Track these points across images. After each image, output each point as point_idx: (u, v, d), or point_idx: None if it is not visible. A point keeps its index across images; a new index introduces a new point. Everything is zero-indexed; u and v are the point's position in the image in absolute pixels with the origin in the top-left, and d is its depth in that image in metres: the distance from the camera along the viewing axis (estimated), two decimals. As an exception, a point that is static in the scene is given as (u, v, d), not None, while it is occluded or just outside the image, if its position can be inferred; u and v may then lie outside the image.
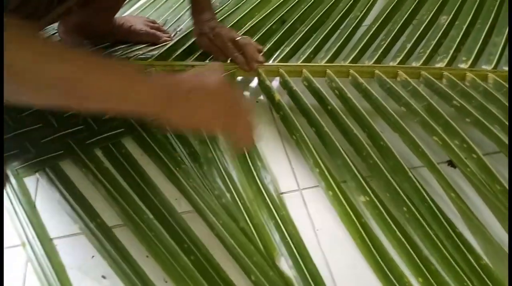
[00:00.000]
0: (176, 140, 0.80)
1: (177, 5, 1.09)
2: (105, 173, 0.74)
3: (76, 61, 0.44)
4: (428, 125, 0.80)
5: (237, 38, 0.89)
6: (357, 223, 0.69)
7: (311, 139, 0.79)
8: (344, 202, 0.71)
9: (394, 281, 0.63)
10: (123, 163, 0.76)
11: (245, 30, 1.00)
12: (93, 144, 0.78)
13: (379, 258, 0.65)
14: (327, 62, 0.94)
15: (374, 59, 0.95)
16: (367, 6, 1.07)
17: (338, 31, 1.02)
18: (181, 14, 1.05)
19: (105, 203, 0.71)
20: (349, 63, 0.94)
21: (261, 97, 0.91)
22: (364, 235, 0.67)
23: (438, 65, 0.94)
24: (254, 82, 0.94)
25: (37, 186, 0.75)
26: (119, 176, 0.74)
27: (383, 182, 0.73)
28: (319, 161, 0.76)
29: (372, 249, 0.66)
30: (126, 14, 1.07)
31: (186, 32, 0.98)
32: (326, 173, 0.74)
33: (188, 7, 0.99)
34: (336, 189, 0.72)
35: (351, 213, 0.70)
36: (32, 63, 0.41)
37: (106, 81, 0.46)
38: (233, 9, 1.06)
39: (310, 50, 0.96)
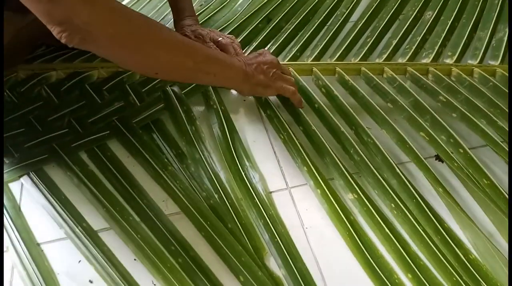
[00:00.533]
0: (162, 141, 0.79)
1: (161, 4, 1.08)
2: (90, 176, 0.73)
3: (199, 54, 0.70)
4: (415, 120, 0.81)
5: (219, 39, 0.88)
6: (345, 220, 0.68)
7: (298, 138, 0.79)
8: (332, 199, 0.71)
9: (384, 278, 0.63)
10: (108, 166, 0.75)
11: (231, 29, 1.00)
12: (78, 147, 0.77)
13: (368, 255, 0.65)
14: (313, 60, 0.94)
15: (360, 56, 0.95)
16: (353, 3, 1.07)
17: (324, 29, 1.02)
18: (165, 13, 1.04)
19: (91, 206, 0.70)
20: (335, 61, 0.94)
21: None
22: (353, 232, 0.67)
23: (424, 61, 0.95)
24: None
25: (22, 191, 0.74)
26: (105, 178, 0.73)
27: (371, 179, 0.73)
28: (307, 159, 0.76)
29: (361, 246, 0.66)
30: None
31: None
32: (314, 171, 0.74)
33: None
34: (325, 187, 0.72)
35: (340, 211, 0.69)
36: (169, 61, 0.67)
37: (213, 68, 0.72)
38: (218, 8, 1.06)
39: (296, 49, 0.96)
